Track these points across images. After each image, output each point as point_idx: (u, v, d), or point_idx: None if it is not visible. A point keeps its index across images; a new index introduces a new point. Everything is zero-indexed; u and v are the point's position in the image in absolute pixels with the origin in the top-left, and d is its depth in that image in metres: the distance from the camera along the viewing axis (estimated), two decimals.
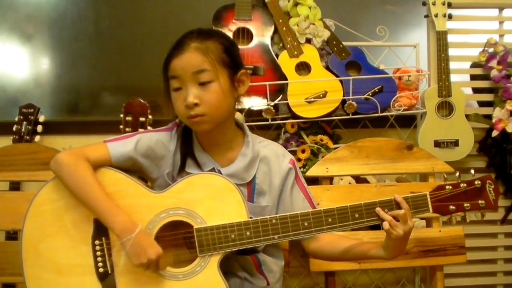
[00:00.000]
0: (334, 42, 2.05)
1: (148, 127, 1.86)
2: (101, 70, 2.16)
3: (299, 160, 1.99)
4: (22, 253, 1.29)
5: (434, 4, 2.09)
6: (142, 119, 1.88)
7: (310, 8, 2.02)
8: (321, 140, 2.03)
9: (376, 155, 1.85)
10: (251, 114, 1.95)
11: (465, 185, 1.34)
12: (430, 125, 2.09)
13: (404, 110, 2.04)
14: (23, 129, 1.97)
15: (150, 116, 1.90)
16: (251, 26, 2.01)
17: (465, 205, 1.34)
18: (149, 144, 1.36)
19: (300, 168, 1.94)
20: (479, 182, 1.35)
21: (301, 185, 1.44)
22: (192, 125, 1.33)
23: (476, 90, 2.25)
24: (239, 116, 1.88)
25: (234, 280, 1.36)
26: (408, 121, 2.20)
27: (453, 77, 2.10)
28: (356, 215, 1.32)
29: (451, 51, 2.10)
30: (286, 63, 1.98)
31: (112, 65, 2.16)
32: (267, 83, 1.91)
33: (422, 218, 1.91)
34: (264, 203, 1.39)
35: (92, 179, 1.28)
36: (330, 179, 1.88)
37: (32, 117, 1.99)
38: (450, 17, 2.10)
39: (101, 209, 1.26)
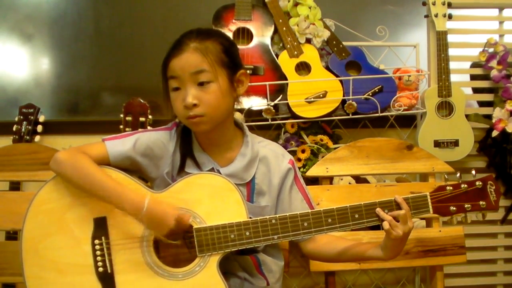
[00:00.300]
0: (334, 42, 2.05)
1: (148, 127, 1.86)
2: (101, 70, 2.16)
3: (299, 160, 1.99)
4: (22, 253, 1.29)
5: (434, 4, 2.09)
6: (142, 119, 1.88)
7: (310, 8, 2.02)
8: (321, 140, 2.03)
9: (376, 155, 1.85)
10: (251, 114, 1.95)
11: (466, 185, 1.34)
12: (430, 125, 2.09)
13: (404, 110, 2.04)
14: (23, 129, 1.97)
15: (150, 116, 1.90)
16: (251, 26, 2.01)
17: (466, 206, 1.34)
18: (148, 143, 1.36)
19: (300, 168, 1.95)
20: (480, 183, 1.34)
21: (300, 186, 1.44)
22: (191, 126, 1.33)
23: (476, 90, 2.25)
24: (238, 116, 1.88)
25: (233, 280, 1.36)
26: (408, 121, 2.20)
27: (453, 77, 2.10)
28: (356, 216, 1.32)
29: (451, 51, 2.10)
30: (286, 63, 1.98)
31: (112, 65, 2.16)
32: (267, 83, 1.91)
33: (422, 218, 1.91)
34: (264, 203, 1.39)
35: (93, 167, 1.27)
36: (330, 179, 1.88)
37: (32, 117, 1.99)
38: (450, 17, 2.10)
39: (108, 193, 1.26)
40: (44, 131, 2.00)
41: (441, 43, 2.08)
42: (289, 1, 2.02)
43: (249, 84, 1.38)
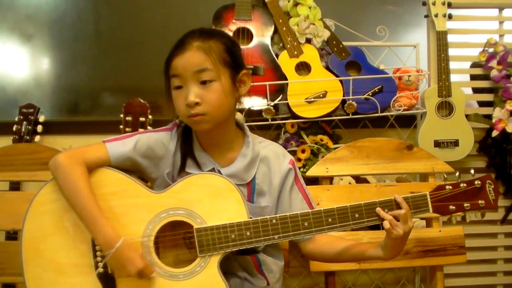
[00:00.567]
0: (334, 42, 2.05)
1: (148, 127, 1.86)
2: (101, 70, 2.16)
3: (299, 160, 1.99)
4: (22, 253, 1.29)
5: (434, 4, 2.10)
6: (142, 119, 1.88)
7: (310, 8, 2.02)
8: (321, 140, 2.03)
9: (376, 155, 1.85)
10: (251, 114, 1.95)
11: (465, 185, 1.34)
12: (430, 125, 2.09)
13: (404, 110, 2.04)
14: (23, 129, 1.97)
15: (150, 116, 1.90)
16: (251, 26, 2.01)
17: (465, 205, 1.34)
18: (149, 144, 1.36)
19: (300, 168, 1.95)
20: (479, 182, 1.35)
21: (300, 186, 1.44)
22: (192, 124, 1.33)
23: (476, 90, 2.25)
24: (239, 116, 1.88)
25: (234, 280, 1.36)
26: (408, 121, 2.20)
27: (453, 77, 2.10)
28: (356, 215, 1.32)
29: (451, 51, 2.10)
30: (286, 63, 1.98)
31: (112, 65, 2.16)
32: (267, 83, 1.91)
33: (422, 218, 1.91)
34: (264, 203, 1.39)
35: (84, 187, 1.26)
36: (330, 179, 1.88)
37: (32, 117, 1.99)
38: (450, 17, 2.10)
39: (87, 219, 1.26)
40: (44, 131, 2.00)
41: (441, 43, 2.08)
42: (289, 1, 2.02)
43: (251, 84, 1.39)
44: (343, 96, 1.97)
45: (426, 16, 2.14)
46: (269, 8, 2.02)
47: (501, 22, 2.27)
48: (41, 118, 2.01)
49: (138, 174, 1.39)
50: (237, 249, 1.29)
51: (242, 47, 1.96)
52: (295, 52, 1.99)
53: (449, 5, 2.10)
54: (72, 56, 2.14)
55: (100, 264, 1.27)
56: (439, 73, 2.08)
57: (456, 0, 2.14)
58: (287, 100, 1.95)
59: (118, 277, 1.27)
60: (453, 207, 1.35)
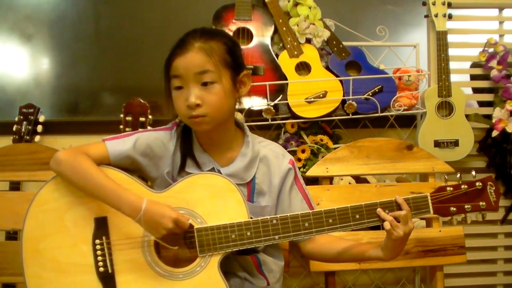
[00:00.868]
0: (334, 42, 2.05)
1: (148, 127, 1.86)
2: (101, 70, 2.16)
3: (299, 160, 1.99)
4: (23, 253, 1.29)
5: (434, 4, 2.09)
6: (142, 119, 1.88)
7: (310, 8, 2.02)
8: (321, 140, 2.03)
9: (376, 155, 1.85)
10: (251, 114, 1.95)
11: (466, 186, 1.34)
12: (430, 125, 2.09)
13: (404, 110, 2.04)
14: (23, 129, 1.97)
15: (150, 116, 1.90)
16: (251, 26, 2.01)
17: (466, 206, 1.34)
18: (148, 142, 1.36)
19: (300, 168, 1.95)
20: (480, 184, 1.34)
21: (300, 186, 1.44)
22: (192, 125, 1.33)
23: (476, 90, 2.25)
24: (239, 116, 1.88)
25: (234, 280, 1.36)
26: (408, 121, 2.20)
27: (453, 77, 2.10)
28: (357, 216, 1.32)
29: (451, 51, 2.10)
30: (286, 63, 1.98)
31: (112, 65, 2.17)
32: (267, 83, 1.91)
33: (422, 218, 1.91)
34: (264, 203, 1.39)
35: (93, 168, 1.27)
36: (330, 179, 1.88)
37: (32, 117, 1.99)
38: (450, 17, 2.10)
39: (106, 195, 1.26)
40: (44, 131, 2.00)
41: (441, 43, 2.08)
42: (289, 1, 2.02)
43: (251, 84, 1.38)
44: (343, 96, 1.97)
45: (426, 16, 2.14)
46: (269, 8, 2.01)
47: (501, 22, 2.27)
48: (41, 118, 2.01)
49: (138, 173, 1.39)
50: (238, 249, 1.29)
51: (242, 47, 1.95)
52: (295, 52, 1.99)
53: (449, 5, 2.10)
54: (72, 56, 2.14)
55: (101, 264, 1.28)
56: (439, 73, 2.08)
57: (456, 0, 2.14)
58: (287, 100, 1.95)
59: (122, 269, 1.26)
60: (454, 209, 1.34)
